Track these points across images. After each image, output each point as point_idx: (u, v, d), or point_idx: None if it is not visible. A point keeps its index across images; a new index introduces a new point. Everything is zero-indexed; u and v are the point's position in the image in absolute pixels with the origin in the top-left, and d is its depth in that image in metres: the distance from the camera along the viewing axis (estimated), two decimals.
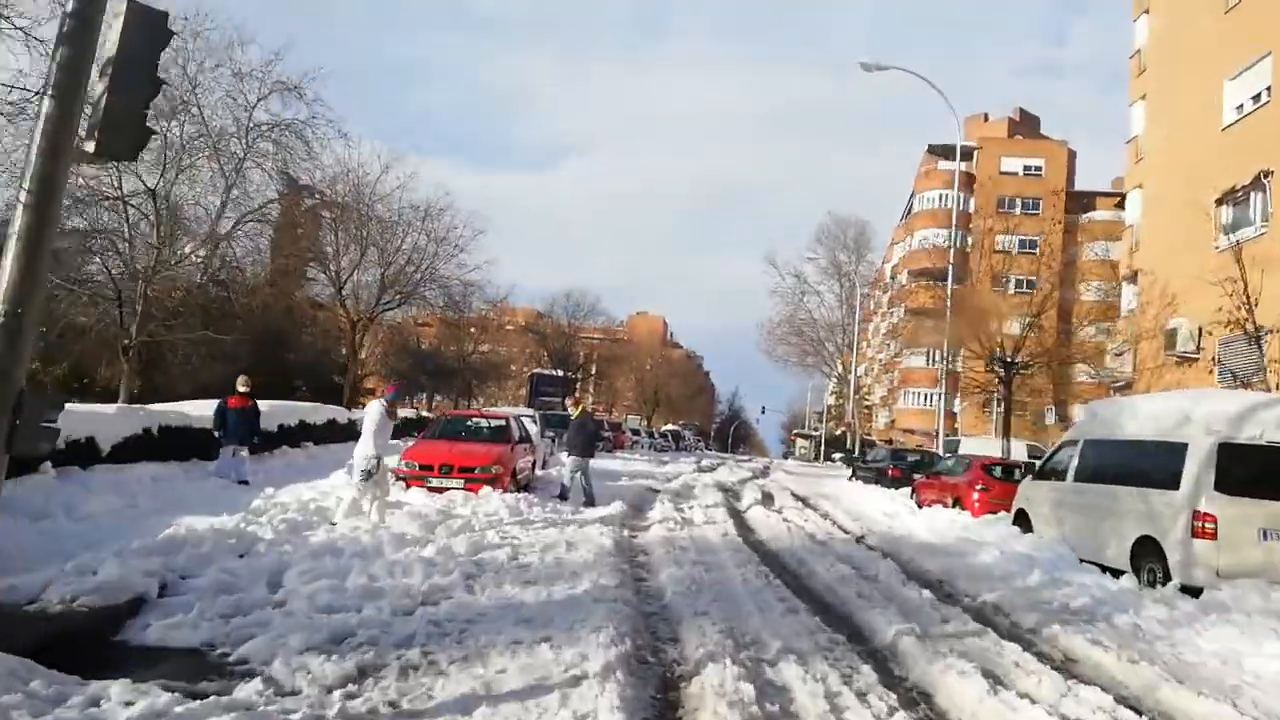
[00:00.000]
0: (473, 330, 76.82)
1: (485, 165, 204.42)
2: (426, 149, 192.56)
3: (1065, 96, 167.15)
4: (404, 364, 52.21)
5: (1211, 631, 8.13)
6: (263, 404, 14.96)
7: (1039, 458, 36.98)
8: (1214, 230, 21.85)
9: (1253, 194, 20.71)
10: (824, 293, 70.20)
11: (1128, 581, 10.01)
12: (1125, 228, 30.59)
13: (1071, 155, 70.94)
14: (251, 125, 28.45)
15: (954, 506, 16.39)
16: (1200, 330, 21.78)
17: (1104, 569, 10.75)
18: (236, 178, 28.72)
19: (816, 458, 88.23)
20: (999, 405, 50.25)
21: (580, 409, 14.64)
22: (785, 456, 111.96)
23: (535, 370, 54.49)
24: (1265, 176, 19.94)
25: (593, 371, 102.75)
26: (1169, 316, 22.61)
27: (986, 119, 72.62)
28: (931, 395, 67.25)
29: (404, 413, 23.37)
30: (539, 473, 16.79)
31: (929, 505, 17.47)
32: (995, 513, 15.15)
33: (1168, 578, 9.74)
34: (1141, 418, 11.08)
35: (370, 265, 27.18)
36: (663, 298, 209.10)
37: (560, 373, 53.03)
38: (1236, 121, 21.58)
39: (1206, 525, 9.44)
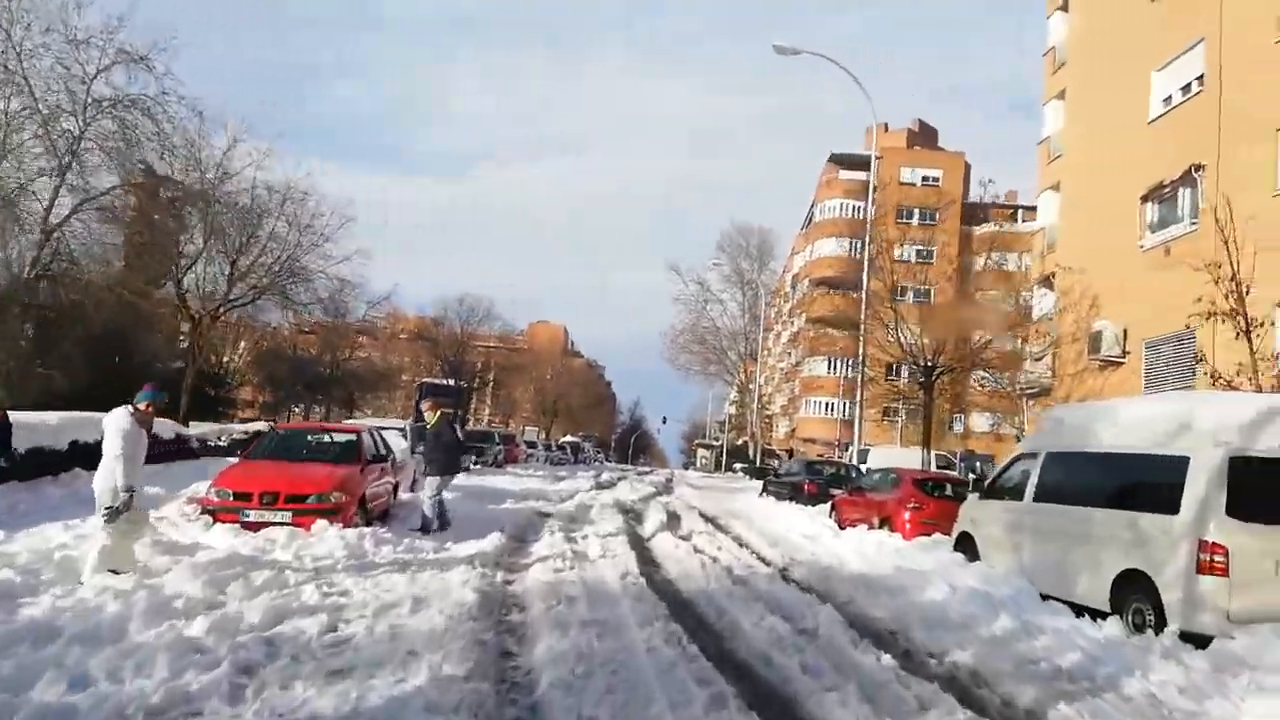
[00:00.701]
0: (361, 338, 72.59)
1: (400, 171, 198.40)
2: (333, 152, 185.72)
3: (960, 117, 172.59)
4: (279, 372, 48.36)
5: (1251, 703, 6.30)
6: (47, 415, 11.93)
7: (947, 467, 35.96)
8: (1139, 229, 20.89)
9: (1181, 190, 19.76)
10: (727, 301, 69.18)
11: (1113, 627, 8.14)
12: (1035, 232, 29.81)
13: (968, 167, 71.94)
14: (90, 100, 24.89)
15: (881, 527, 14.52)
16: (1125, 332, 20.75)
17: (1076, 609, 8.92)
18: (71, 160, 25.06)
19: (717, 468, 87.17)
20: (904, 414, 49.64)
21: (439, 415, 12.05)
22: (686, 467, 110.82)
23: (424, 379, 51.16)
24: (1196, 171, 18.96)
25: (489, 381, 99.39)
26: (1092, 319, 21.54)
27: (887, 129, 72.90)
28: (834, 404, 66.77)
29: (257, 426, 20.11)
30: (404, 496, 14.16)
31: (851, 525, 15.60)
32: (929, 534, 13.33)
33: (1162, 622, 7.91)
34: (1123, 425, 9.30)
35: (219, 255, 23.81)
36: (567, 309, 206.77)
37: (451, 382, 49.86)
38: (1164, 114, 20.65)
39: (1215, 558, 7.64)
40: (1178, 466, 8.16)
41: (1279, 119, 16.87)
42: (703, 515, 17.91)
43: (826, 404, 66.61)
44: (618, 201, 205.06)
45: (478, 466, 28.02)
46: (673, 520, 16.22)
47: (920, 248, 72.27)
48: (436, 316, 53.15)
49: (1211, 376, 11.57)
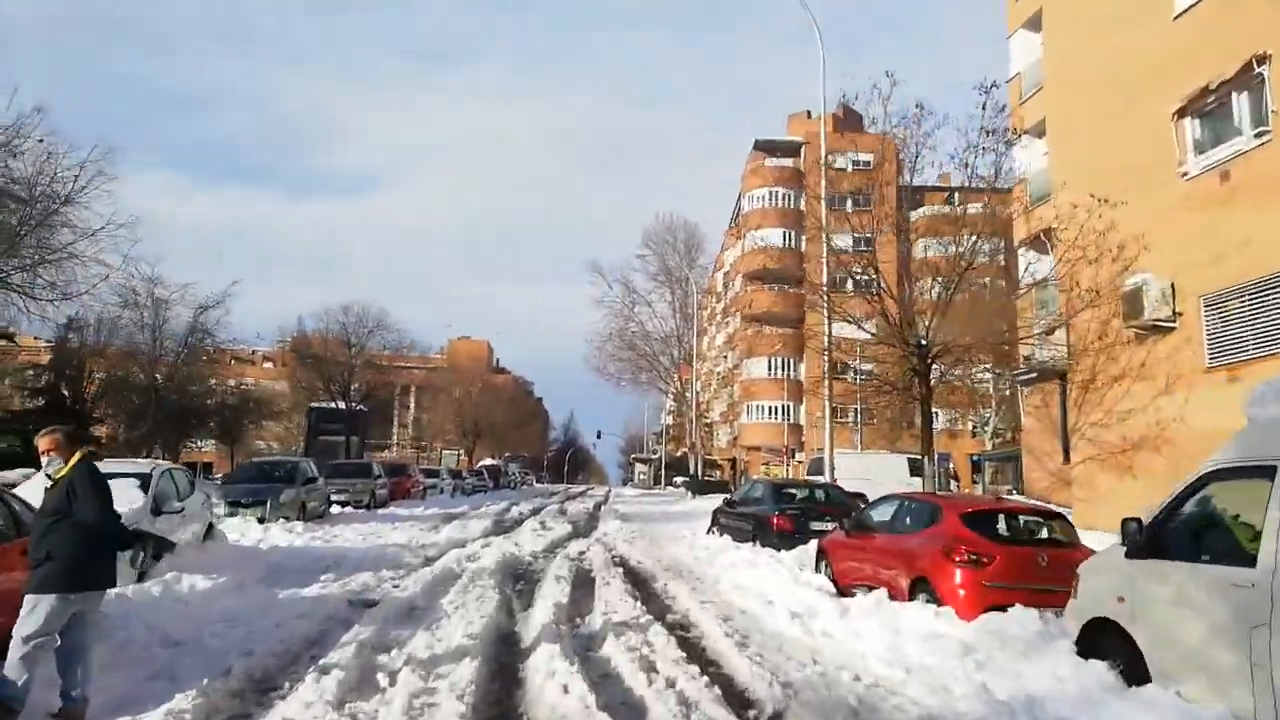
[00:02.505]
0: (265, 361, 65.25)
1: (290, 196, 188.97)
2: (220, 181, 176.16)
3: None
4: (134, 404, 41.41)
5: None
6: None
7: (917, 472, 30.85)
8: (1179, 153, 15.99)
9: (1235, 93, 14.92)
10: (655, 301, 63.73)
11: None
12: (1018, 183, 24.99)
13: (897, 151, 68.14)
14: None
15: (915, 594, 8.98)
16: (1173, 288, 15.81)
17: None
18: None
19: (656, 482, 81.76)
20: (860, 414, 44.69)
21: (72, 459, 5.95)
22: (625, 483, 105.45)
23: (312, 404, 44.53)
24: (1260, 63, 14.13)
25: (408, 405, 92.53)
26: (1120, 274, 16.54)
27: (810, 115, 68.74)
28: (777, 408, 61.88)
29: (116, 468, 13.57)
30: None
31: (854, 586, 10.11)
32: (1003, 607, 7.91)
33: None
34: None
35: None
36: (492, 330, 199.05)
37: (343, 405, 43.33)
38: (1197, 3, 15.81)
39: None
40: None
41: None
42: (629, 576, 12.20)
43: (769, 408, 61.71)
44: (538, 218, 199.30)
45: (344, 509, 21.91)
46: (581, 593, 10.53)
47: (858, 235, 67.30)
48: (320, 330, 46.14)
49: None
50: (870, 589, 9.51)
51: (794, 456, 59.07)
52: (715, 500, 37.48)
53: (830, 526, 12.77)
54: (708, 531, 16.99)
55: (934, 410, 54.80)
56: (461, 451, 78.62)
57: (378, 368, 49.87)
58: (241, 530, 15.40)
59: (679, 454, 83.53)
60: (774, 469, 62.16)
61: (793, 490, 16.22)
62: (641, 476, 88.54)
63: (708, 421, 73.60)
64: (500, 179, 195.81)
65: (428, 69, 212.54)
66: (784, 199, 63.20)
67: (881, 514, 10.49)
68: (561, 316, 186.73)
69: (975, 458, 47.37)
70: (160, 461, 11.66)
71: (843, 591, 10.16)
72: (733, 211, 74.86)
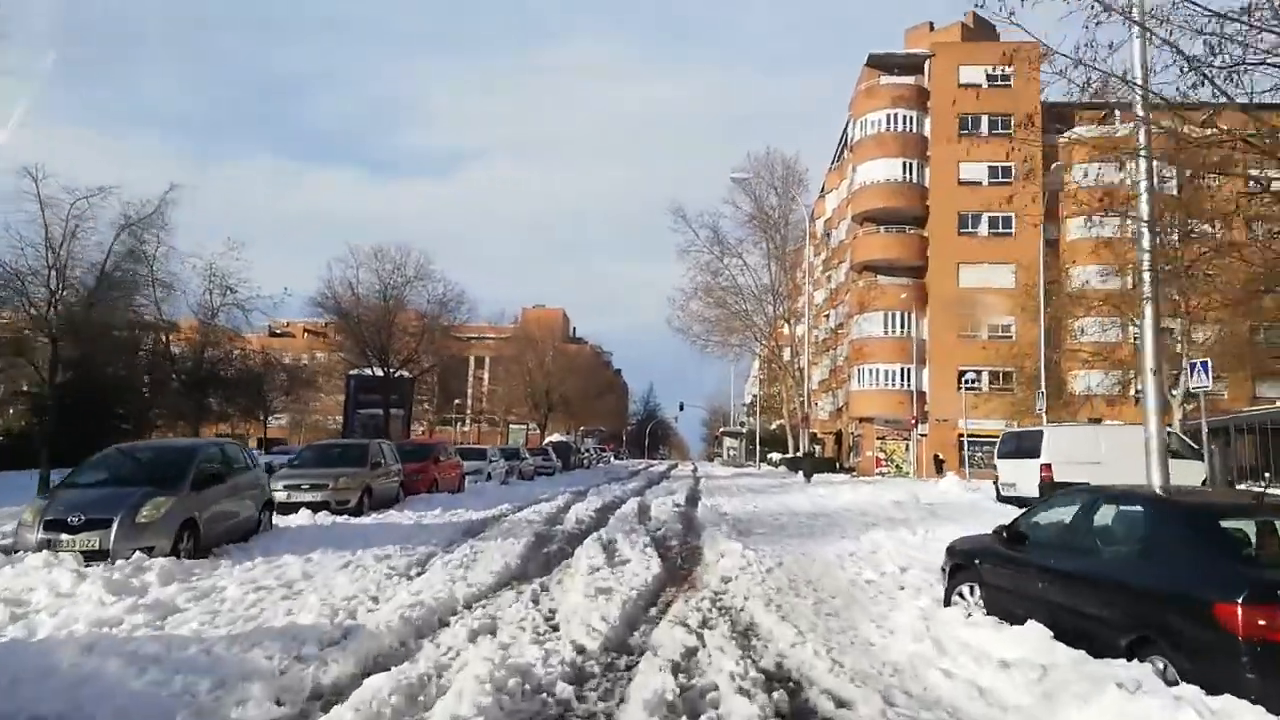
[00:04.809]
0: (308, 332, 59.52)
1: (380, 176, 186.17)
2: (322, 160, 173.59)
3: None
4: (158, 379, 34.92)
5: None
6: None
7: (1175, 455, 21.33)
8: None
9: None
10: (748, 251, 54.63)
11: None
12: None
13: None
14: None
15: None
16: None
17: None
18: None
19: (748, 459, 73.38)
20: (1003, 378, 34.72)
21: None
22: (711, 459, 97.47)
23: (352, 373, 37.38)
24: None
25: (468, 375, 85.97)
26: None
27: (932, 28, 58.43)
28: (896, 371, 52.42)
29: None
30: None
31: None
32: None
33: None
34: None
35: None
36: (569, 302, 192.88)
37: (382, 373, 35.93)
38: None
39: None
40: None
41: None
42: None
43: (886, 372, 52.25)
44: (616, 196, 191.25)
45: (316, 517, 14.10)
46: None
47: (992, 164, 55.21)
48: (350, 282, 38.57)
49: None
50: None
51: (915, 427, 49.80)
52: (838, 489, 27.36)
53: None
54: (947, 601, 8.19)
55: (1075, 373, 44.09)
56: (533, 425, 71.54)
57: (428, 330, 42.35)
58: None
59: (774, 426, 74.84)
60: (891, 444, 52.96)
61: (1242, 525, 5.53)
62: (731, 452, 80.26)
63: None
64: (581, 154, 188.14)
65: (514, 47, 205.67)
66: (904, 122, 53.35)
67: None
68: (642, 290, 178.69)
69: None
70: None
71: None
72: (837, 147, 65.17)
